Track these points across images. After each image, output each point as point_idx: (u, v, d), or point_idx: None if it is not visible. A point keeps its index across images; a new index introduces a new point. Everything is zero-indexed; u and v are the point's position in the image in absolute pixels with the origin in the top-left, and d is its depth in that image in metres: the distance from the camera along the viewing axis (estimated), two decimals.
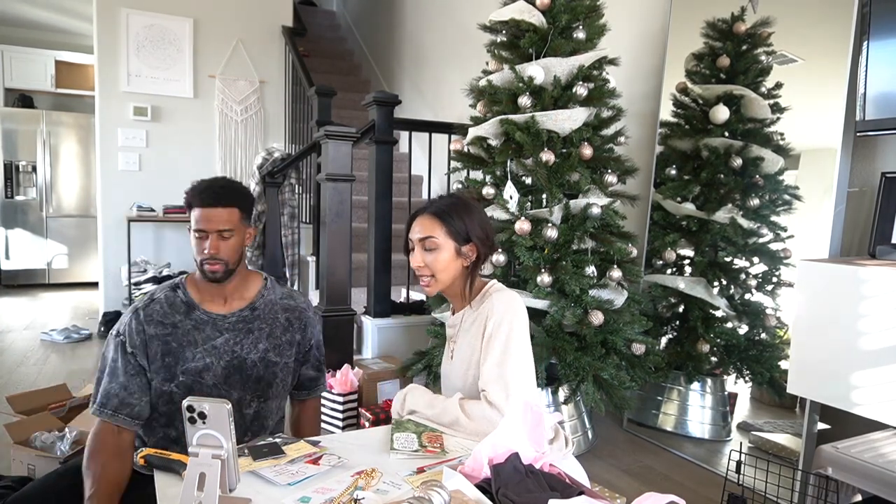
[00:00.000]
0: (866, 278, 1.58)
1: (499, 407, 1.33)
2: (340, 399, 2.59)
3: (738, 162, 2.46)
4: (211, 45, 4.95)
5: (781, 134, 2.38)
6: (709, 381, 2.60)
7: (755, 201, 2.42)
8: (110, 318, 4.37)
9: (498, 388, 1.35)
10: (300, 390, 1.76)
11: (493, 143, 2.44)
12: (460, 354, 1.49)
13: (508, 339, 1.39)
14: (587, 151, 2.28)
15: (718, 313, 2.53)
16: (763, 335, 2.42)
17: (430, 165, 3.28)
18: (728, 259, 2.54)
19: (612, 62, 2.45)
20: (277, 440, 1.29)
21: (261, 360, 1.63)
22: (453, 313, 1.57)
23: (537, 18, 2.32)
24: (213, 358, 1.57)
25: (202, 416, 0.98)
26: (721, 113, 2.50)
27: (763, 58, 2.44)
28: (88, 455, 1.49)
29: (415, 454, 1.26)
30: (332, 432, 2.49)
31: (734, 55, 2.52)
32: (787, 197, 2.35)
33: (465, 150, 2.54)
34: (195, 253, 1.57)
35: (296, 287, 4.01)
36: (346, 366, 2.69)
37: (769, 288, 2.41)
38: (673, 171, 2.68)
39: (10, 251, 6.15)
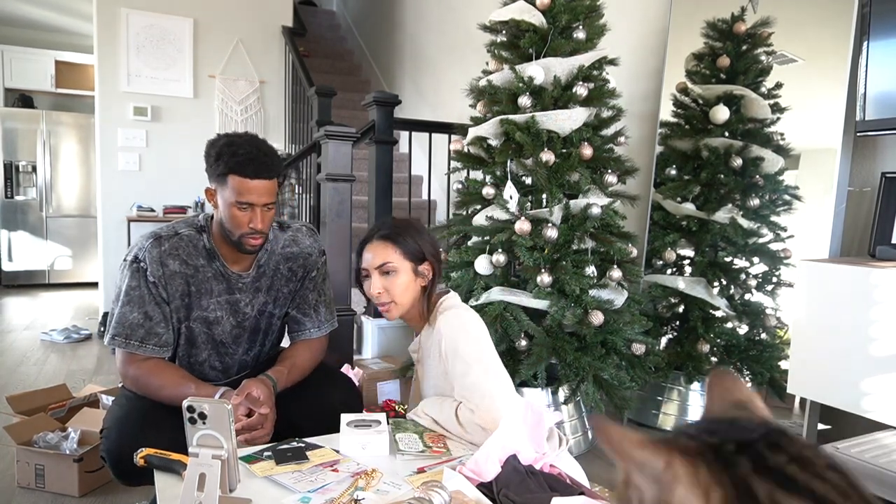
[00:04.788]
0: (867, 278, 1.58)
1: (482, 409, 1.31)
2: None
3: (738, 162, 2.46)
4: (211, 45, 4.95)
5: (781, 134, 2.38)
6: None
7: (755, 201, 2.42)
8: None
9: (473, 395, 1.33)
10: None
11: (493, 143, 2.43)
12: (429, 379, 1.48)
13: (464, 354, 1.37)
14: (587, 151, 2.28)
15: (718, 313, 2.53)
16: (763, 335, 2.42)
17: (430, 165, 3.28)
18: (728, 259, 2.54)
19: (612, 62, 2.45)
20: (302, 444, 1.28)
21: (259, 314, 1.63)
22: (415, 336, 1.56)
23: (537, 18, 2.32)
24: (225, 312, 1.56)
25: (202, 416, 0.98)
26: (721, 113, 2.50)
27: (763, 58, 2.44)
28: (144, 384, 1.46)
29: (421, 455, 1.26)
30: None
31: (734, 55, 2.52)
32: (787, 197, 2.35)
33: (465, 150, 2.54)
34: (233, 225, 1.47)
35: None
36: (346, 366, 2.69)
37: (769, 288, 2.41)
38: (673, 171, 2.68)
39: (11, 252, 6.14)
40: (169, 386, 1.46)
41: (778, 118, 2.39)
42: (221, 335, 1.59)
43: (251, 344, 1.67)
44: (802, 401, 2.14)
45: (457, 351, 1.37)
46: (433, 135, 3.26)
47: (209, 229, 1.55)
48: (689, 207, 2.60)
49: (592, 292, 2.26)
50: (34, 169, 6.17)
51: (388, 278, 1.42)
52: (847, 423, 1.98)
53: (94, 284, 5.79)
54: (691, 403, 2.62)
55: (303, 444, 1.28)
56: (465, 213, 2.55)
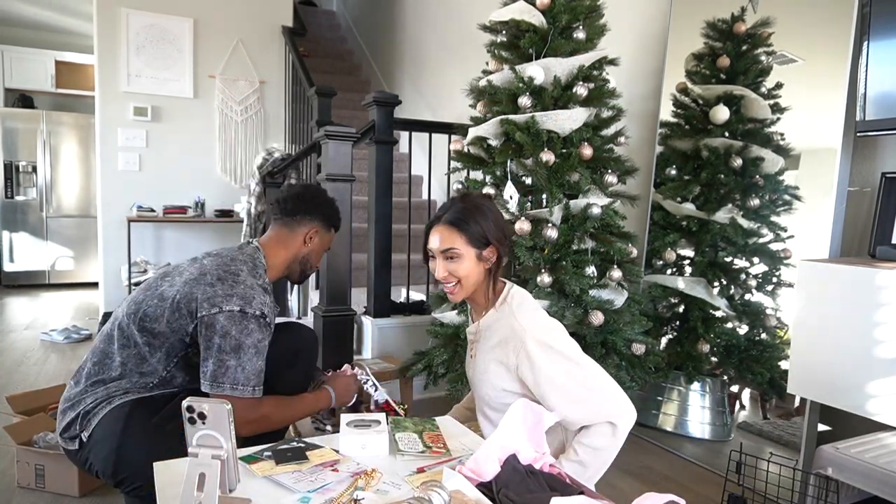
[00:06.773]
0: (867, 278, 1.58)
1: (619, 423, 1.37)
2: None
3: (738, 162, 2.46)
4: (211, 45, 4.95)
5: (781, 134, 2.38)
6: (709, 381, 2.60)
7: (755, 201, 2.42)
8: None
9: (602, 414, 1.37)
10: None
11: (493, 143, 2.43)
12: (481, 362, 1.48)
13: (568, 373, 1.37)
14: (587, 151, 2.28)
15: (718, 313, 2.53)
16: (763, 335, 2.42)
17: (430, 165, 3.28)
18: (728, 259, 2.54)
19: (612, 62, 2.45)
20: (302, 444, 1.28)
21: None
22: (472, 321, 1.57)
23: (537, 19, 2.32)
24: None
25: (202, 416, 0.98)
26: (721, 113, 2.50)
27: (763, 58, 2.44)
28: (278, 419, 1.64)
29: (421, 454, 1.26)
30: (329, 432, 2.48)
31: (734, 55, 2.52)
32: (787, 197, 2.35)
33: (465, 150, 2.54)
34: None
35: (296, 288, 4.00)
36: (346, 366, 2.69)
37: (769, 288, 2.41)
38: (673, 172, 2.68)
39: (12, 252, 6.15)
40: (288, 407, 1.67)
41: (778, 118, 2.39)
42: None
43: None
44: (802, 401, 2.14)
45: (552, 374, 1.37)
46: (433, 135, 3.26)
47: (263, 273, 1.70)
48: (689, 207, 2.60)
49: (592, 292, 2.26)
50: (34, 169, 6.17)
51: (453, 263, 1.44)
52: (847, 424, 1.98)
53: (95, 284, 5.79)
54: (691, 403, 2.62)
55: (302, 444, 1.27)
56: None
